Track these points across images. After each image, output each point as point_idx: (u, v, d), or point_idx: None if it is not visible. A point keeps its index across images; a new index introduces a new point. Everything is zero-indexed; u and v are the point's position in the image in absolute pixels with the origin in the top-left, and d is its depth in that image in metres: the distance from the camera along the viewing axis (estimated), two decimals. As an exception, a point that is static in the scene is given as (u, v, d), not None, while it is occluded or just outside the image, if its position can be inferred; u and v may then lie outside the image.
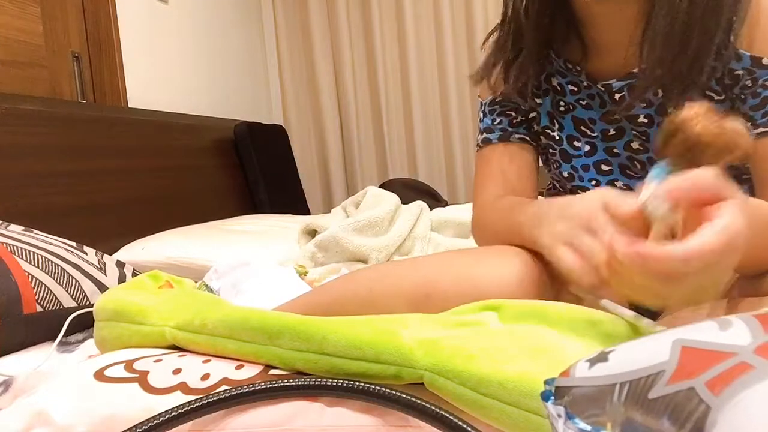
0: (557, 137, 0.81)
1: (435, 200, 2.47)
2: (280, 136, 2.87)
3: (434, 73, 2.96)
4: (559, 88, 0.79)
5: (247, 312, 0.49)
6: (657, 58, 0.65)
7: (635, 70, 0.71)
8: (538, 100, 0.82)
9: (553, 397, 0.26)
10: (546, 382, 0.27)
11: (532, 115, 0.83)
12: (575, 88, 0.78)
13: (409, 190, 2.43)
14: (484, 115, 0.87)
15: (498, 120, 0.85)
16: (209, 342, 0.48)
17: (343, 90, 3.04)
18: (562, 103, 0.79)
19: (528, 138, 0.84)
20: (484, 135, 0.86)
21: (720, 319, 0.25)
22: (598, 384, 0.24)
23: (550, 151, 0.82)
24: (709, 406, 0.21)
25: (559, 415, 0.25)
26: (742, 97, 0.66)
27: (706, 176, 0.41)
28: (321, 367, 0.43)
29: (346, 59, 3.01)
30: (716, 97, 0.68)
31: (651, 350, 0.24)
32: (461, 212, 1.67)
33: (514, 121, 0.84)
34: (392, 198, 1.66)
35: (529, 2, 0.74)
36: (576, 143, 0.79)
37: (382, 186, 2.24)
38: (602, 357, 0.26)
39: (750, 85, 0.65)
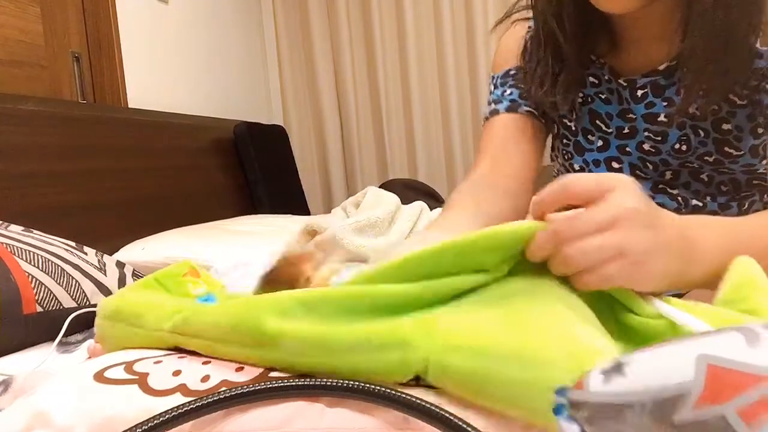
0: (573, 128, 0.80)
1: (435, 200, 2.47)
2: (280, 136, 2.87)
3: (434, 73, 2.96)
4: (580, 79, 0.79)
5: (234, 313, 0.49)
6: (699, 53, 0.64)
7: (660, 68, 0.71)
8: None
9: (566, 411, 0.25)
10: (557, 393, 0.26)
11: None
12: (596, 81, 0.77)
13: (409, 190, 2.43)
14: (495, 87, 0.84)
15: (509, 91, 0.82)
16: (207, 347, 0.48)
17: (343, 90, 3.04)
18: (581, 94, 0.78)
19: (536, 113, 0.81)
20: (492, 106, 0.83)
21: (746, 330, 0.23)
22: (616, 401, 0.23)
23: (564, 141, 0.82)
24: None
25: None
26: (767, 87, 0.65)
27: (579, 181, 0.41)
28: (323, 370, 0.43)
29: (346, 59, 3.01)
30: (738, 102, 0.67)
31: (673, 366, 0.23)
32: (461, 212, 1.67)
33: (524, 95, 0.81)
34: (392, 198, 1.66)
35: (565, 20, 0.72)
36: (590, 137, 0.78)
37: (382, 186, 2.24)
38: (618, 369, 0.24)
39: None
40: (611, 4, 0.65)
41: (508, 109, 0.81)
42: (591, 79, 0.77)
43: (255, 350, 0.44)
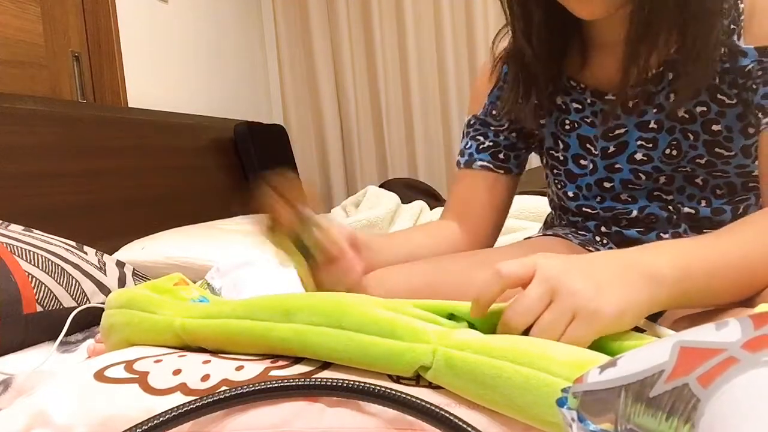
0: (562, 158, 0.80)
1: (435, 200, 2.47)
2: (280, 136, 2.87)
3: (434, 73, 2.96)
4: (563, 107, 0.79)
5: (269, 296, 0.50)
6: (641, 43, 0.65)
7: (648, 75, 0.70)
8: (542, 122, 0.81)
9: (567, 403, 0.28)
10: (562, 390, 0.29)
11: (503, 141, 0.84)
12: (579, 106, 0.77)
13: (409, 190, 2.43)
14: (463, 136, 0.88)
15: (468, 144, 0.86)
16: (223, 326, 0.49)
17: (343, 90, 3.04)
18: (567, 122, 0.79)
19: (492, 166, 0.84)
20: (458, 157, 0.88)
21: (719, 321, 0.27)
22: (607, 387, 0.26)
23: (555, 171, 0.82)
24: (699, 399, 0.22)
25: (573, 419, 0.27)
26: (754, 87, 0.65)
27: (508, 270, 0.46)
28: (336, 342, 0.44)
29: (346, 59, 3.01)
30: (727, 101, 0.67)
31: (654, 353, 0.26)
32: (461, 212, 1.67)
33: (481, 147, 0.85)
34: (392, 198, 1.66)
35: (534, 38, 0.72)
36: (582, 161, 0.79)
37: (382, 186, 2.24)
38: (612, 363, 0.28)
39: (761, 74, 0.64)
40: (583, 10, 0.65)
41: (466, 164, 0.85)
42: (574, 105, 0.78)
43: (278, 323, 0.47)
